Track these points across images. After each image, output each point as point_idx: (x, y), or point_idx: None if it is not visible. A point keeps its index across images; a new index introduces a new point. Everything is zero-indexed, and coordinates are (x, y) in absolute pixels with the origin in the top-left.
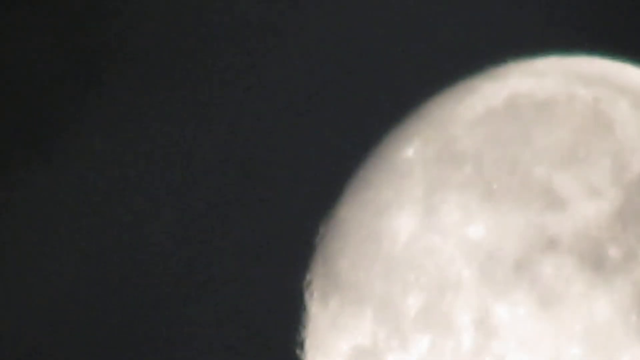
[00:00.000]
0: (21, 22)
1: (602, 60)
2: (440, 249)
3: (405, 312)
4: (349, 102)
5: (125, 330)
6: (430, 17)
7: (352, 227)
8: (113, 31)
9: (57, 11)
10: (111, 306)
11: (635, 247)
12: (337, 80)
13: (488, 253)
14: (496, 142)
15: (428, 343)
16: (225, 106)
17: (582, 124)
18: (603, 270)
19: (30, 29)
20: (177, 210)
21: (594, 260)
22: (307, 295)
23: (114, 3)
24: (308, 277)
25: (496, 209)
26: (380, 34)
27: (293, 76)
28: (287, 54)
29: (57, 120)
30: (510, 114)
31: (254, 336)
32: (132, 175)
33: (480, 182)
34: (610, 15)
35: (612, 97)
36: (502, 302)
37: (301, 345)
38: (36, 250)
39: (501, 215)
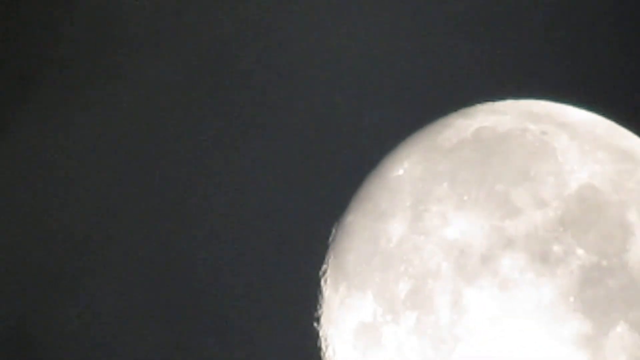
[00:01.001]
0: None
1: (547, 102)
2: (423, 246)
3: (397, 295)
4: (355, 135)
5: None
6: (418, 71)
7: (357, 229)
8: (43, 38)
9: None
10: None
11: (573, 245)
12: (345, 119)
13: (460, 249)
14: (466, 165)
15: (415, 318)
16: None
17: (532, 151)
18: (548, 262)
19: None
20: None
21: (541, 255)
22: (322, 282)
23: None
24: (323, 268)
25: (467, 216)
26: (381, 85)
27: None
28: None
29: None
30: (477, 143)
31: (282, 313)
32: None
33: (455, 195)
34: (554, 68)
35: (555, 131)
36: (471, 287)
37: (318, 320)
38: None
39: (470, 220)
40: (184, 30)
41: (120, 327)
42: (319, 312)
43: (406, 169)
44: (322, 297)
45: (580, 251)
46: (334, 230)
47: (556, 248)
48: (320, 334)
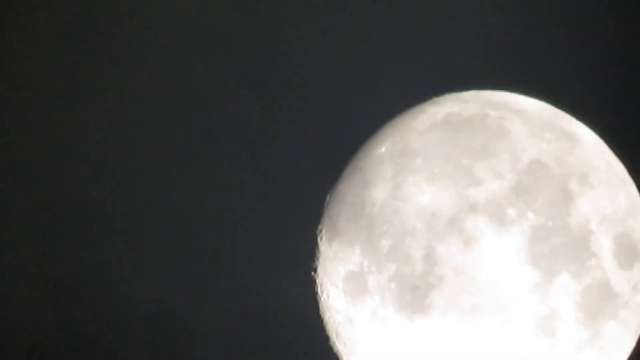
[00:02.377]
0: None
1: (504, 92)
2: (402, 210)
3: (380, 249)
4: (347, 120)
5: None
6: (398, 69)
7: (347, 196)
8: None
9: None
10: None
11: (525, 209)
12: (339, 108)
13: (432, 213)
14: (437, 143)
15: (394, 269)
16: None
17: (492, 133)
18: (504, 223)
19: None
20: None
21: (499, 218)
22: (319, 239)
23: None
24: (319, 227)
25: (437, 185)
26: (368, 80)
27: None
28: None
29: None
30: (446, 126)
31: (287, 264)
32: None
33: (427, 168)
34: (510, 65)
35: (510, 116)
36: (441, 244)
37: (315, 269)
38: None
39: (440, 189)
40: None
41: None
42: (316, 263)
43: (388, 147)
44: (318, 251)
45: (530, 214)
46: (328, 197)
47: (511, 211)
48: (317, 281)
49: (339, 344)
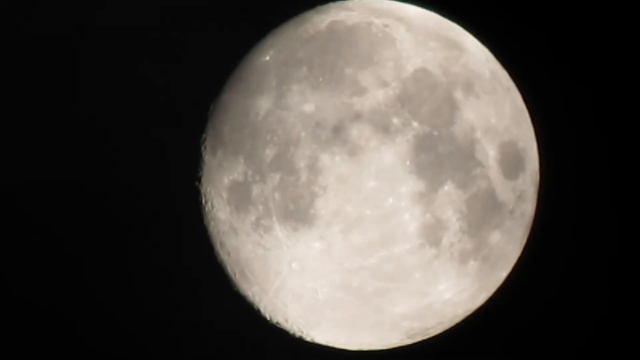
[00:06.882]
0: None
1: (389, 1)
2: (286, 119)
3: (264, 159)
4: (230, 27)
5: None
6: None
7: (231, 105)
8: None
9: None
10: None
11: (409, 118)
12: (222, 15)
13: (316, 122)
14: (322, 52)
15: (279, 178)
16: None
17: (376, 41)
18: (389, 133)
19: None
20: None
21: (383, 126)
22: (202, 148)
23: None
24: (203, 136)
25: (322, 94)
26: None
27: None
28: None
29: None
30: (330, 35)
31: (170, 174)
32: None
33: (312, 77)
34: None
35: (395, 24)
36: (325, 153)
37: (199, 179)
38: None
39: (325, 98)
40: None
41: None
42: (200, 173)
43: (271, 56)
44: (202, 161)
45: (415, 123)
46: (212, 106)
47: (395, 120)
48: (201, 191)
49: (223, 254)
